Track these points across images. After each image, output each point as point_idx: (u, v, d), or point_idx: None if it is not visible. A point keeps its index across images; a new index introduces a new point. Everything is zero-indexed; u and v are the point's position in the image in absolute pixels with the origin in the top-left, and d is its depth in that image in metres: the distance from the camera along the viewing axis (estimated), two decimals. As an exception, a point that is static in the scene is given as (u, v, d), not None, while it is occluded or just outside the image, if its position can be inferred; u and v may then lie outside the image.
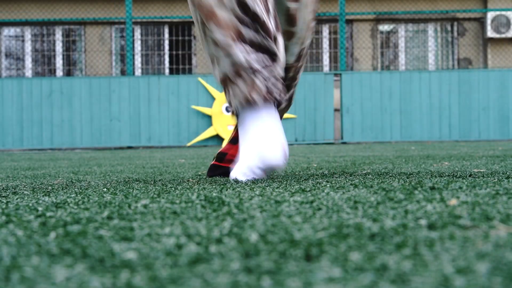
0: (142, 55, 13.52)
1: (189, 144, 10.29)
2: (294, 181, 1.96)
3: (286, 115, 10.23)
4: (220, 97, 10.27)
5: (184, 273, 0.67)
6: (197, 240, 0.87)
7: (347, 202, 1.27)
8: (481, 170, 2.36)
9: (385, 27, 13.68)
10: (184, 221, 1.07)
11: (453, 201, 1.20)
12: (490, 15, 12.69)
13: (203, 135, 10.30)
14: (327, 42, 13.50)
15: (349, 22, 13.36)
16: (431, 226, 0.93)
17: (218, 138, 10.40)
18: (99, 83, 10.32)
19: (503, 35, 12.74)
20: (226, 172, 2.36)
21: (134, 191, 1.70)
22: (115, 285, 0.62)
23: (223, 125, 10.29)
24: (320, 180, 1.96)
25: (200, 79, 10.57)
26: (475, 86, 10.47)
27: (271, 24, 2.12)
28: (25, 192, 1.78)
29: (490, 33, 12.73)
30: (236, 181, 2.00)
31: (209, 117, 10.36)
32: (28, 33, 13.37)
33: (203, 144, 10.42)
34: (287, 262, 0.71)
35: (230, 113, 10.14)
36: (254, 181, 2.00)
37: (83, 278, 0.65)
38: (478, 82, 10.48)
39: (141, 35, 13.50)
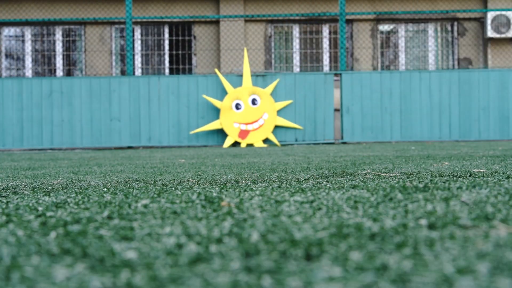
0: (142, 55, 13.52)
1: (192, 132, 10.28)
2: (294, 181, 1.95)
3: (292, 125, 10.24)
4: (232, 92, 10.23)
5: (184, 272, 0.67)
6: (197, 239, 0.87)
7: (347, 202, 1.27)
8: (481, 170, 2.35)
9: (385, 27, 13.67)
10: (184, 221, 1.07)
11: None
12: (490, 15, 12.68)
13: (208, 126, 10.28)
14: (327, 42, 13.50)
15: (349, 22, 13.36)
16: (431, 226, 0.93)
17: (221, 134, 10.38)
18: (99, 83, 10.33)
19: (503, 35, 12.73)
20: None
21: (134, 191, 1.70)
22: (115, 284, 0.62)
23: (229, 121, 10.27)
24: (320, 180, 1.95)
25: (216, 70, 10.66)
26: (475, 86, 10.47)
27: None
28: (25, 192, 1.77)
29: (490, 33, 12.73)
30: (237, 181, 2.00)
31: (216, 111, 10.32)
32: (28, 33, 13.36)
33: (203, 144, 10.41)
34: (288, 261, 0.71)
35: (240, 111, 10.14)
36: (254, 181, 1.99)
37: (83, 277, 0.65)
38: (478, 82, 10.48)
39: (141, 35, 13.50)
